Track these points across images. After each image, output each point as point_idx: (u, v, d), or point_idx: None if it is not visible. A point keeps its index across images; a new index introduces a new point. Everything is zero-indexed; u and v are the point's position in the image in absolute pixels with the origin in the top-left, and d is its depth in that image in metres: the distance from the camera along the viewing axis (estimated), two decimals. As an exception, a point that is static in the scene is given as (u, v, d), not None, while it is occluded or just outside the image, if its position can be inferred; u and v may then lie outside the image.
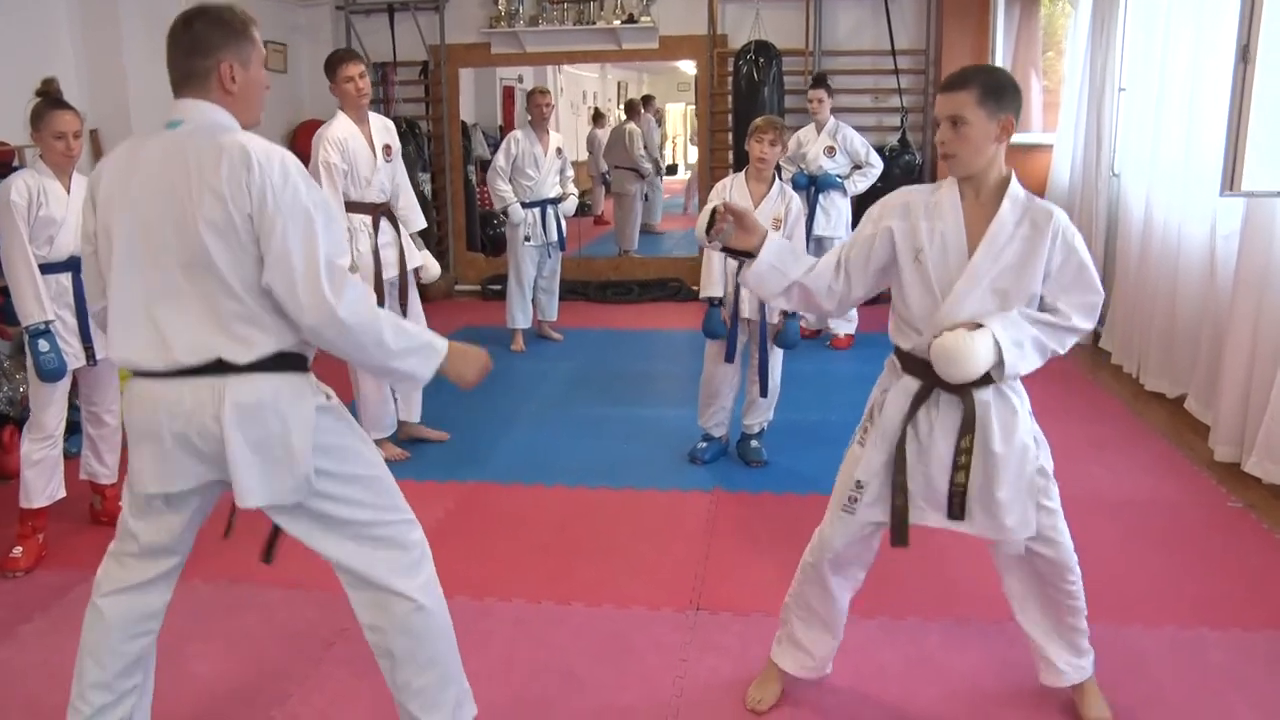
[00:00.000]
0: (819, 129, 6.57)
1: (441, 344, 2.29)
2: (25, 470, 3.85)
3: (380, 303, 4.64)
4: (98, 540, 4.02)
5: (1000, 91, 2.31)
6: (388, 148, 4.68)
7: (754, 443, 4.69)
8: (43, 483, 3.85)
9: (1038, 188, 7.27)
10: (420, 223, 4.93)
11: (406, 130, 8.24)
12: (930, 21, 7.85)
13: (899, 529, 2.48)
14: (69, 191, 3.84)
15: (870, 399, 2.61)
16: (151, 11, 6.27)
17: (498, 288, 7.81)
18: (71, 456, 4.16)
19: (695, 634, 3.25)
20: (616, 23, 8.20)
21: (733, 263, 4.32)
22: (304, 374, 2.21)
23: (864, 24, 7.99)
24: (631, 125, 10.02)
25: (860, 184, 6.54)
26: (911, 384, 2.46)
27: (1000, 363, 2.29)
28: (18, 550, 3.81)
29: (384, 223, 4.65)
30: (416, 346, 2.24)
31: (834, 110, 6.59)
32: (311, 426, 2.18)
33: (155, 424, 2.15)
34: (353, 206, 4.54)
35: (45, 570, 3.80)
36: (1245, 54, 3.38)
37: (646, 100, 10.69)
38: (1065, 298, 2.39)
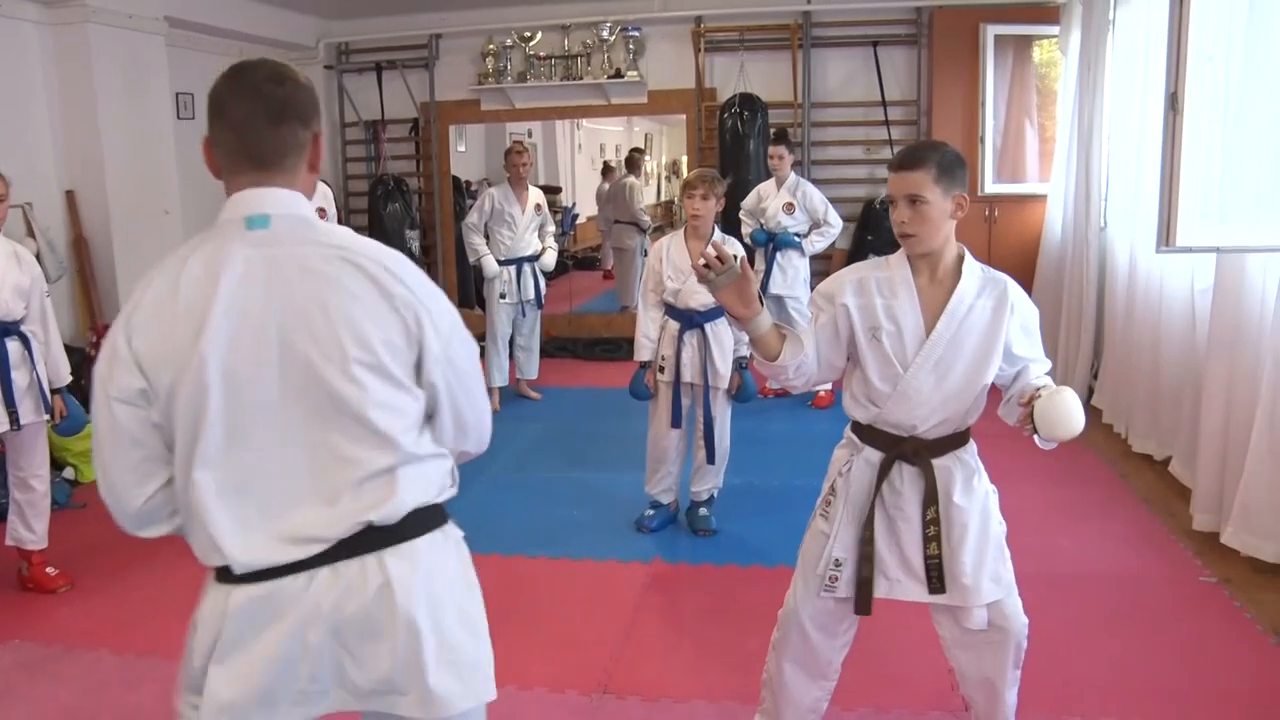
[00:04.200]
0: (779, 185, 6.41)
1: None
2: None
3: None
4: (21, 606, 3.96)
5: (953, 168, 2.31)
6: (321, 210, 4.84)
7: (702, 510, 4.49)
8: None
9: (1033, 238, 7.11)
10: None
11: (395, 188, 8.26)
12: (921, 71, 7.68)
13: (863, 599, 2.44)
14: None
15: (829, 473, 2.56)
16: (126, 74, 6.32)
17: (489, 344, 7.71)
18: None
19: (593, 720, 3.05)
20: (604, 78, 8.13)
21: (672, 324, 4.27)
22: (449, 523, 1.81)
23: (854, 75, 7.83)
24: (631, 179, 9.93)
25: (818, 244, 6.35)
26: (874, 456, 2.44)
27: None
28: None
29: None
30: None
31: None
32: (478, 590, 1.81)
33: (281, 640, 1.61)
34: None
35: (-41, 635, 3.71)
36: (1174, 102, 3.17)
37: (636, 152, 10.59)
38: (1032, 351, 2.43)
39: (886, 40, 7.74)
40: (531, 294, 6.71)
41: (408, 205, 8.34)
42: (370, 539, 1.63)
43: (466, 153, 9.43)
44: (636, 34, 8.06)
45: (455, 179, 8.95)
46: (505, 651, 3.40)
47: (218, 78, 1.67)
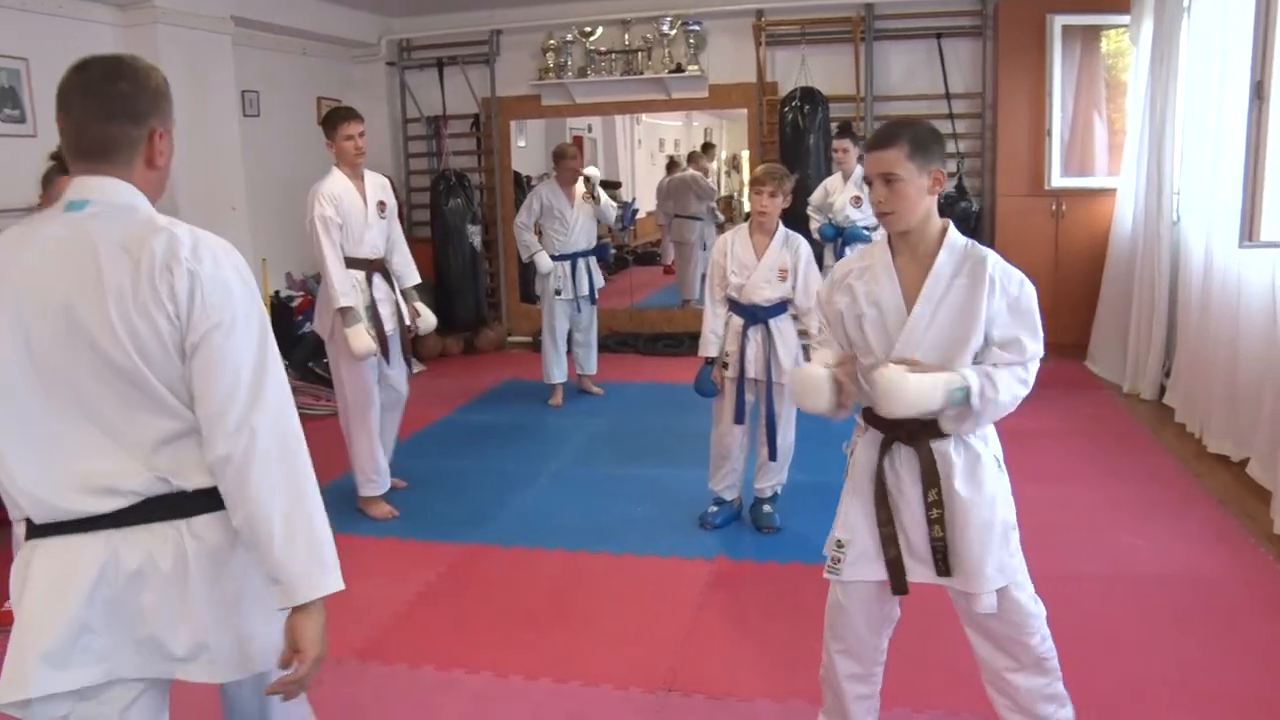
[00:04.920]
0: (845, 178, 6.37)
1: (334, 577, 1.78)
2: None
3: (386, 355, 4.63)
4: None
5: (927, 144, 2.33)
6: (382, 204, 4.70)
7: (766, 507, 4.45)
8: None
9: (1102, 233, 6.97)
10: (414, 278, 4.92)
11: (457, 183, 8.32)
12: (986, 63, 7.57)
13: (895, 579, 2.43)
14: None
15: (847, 454, 2.58)
16: (194, 73, 6.43)
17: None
18: None
19: (658, 717, 3.03)
20: (664, 72, 8.12)
21: (736, 320, 4.24)
22: None
23: (917, 68, 7.74)
24: (692, 171, 9.90)
25: None
26: (875, 437, 2.45)
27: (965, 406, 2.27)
28: None
29: (378, 278, 4.66)
30: (313, 547, 1.75)
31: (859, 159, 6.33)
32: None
33: (77, 594, 1.68)
34: (347, 262, 4.57)
35: None
36: (1260, 91, 3.07)
37: (707, 148, 10.56)
38: (1012, 334, 2.34)
39: (950, 32, 7.64)
40: (587, 289, 6.71)
41: (469, 200, 8.41)
42: (170, 506, 1.71)
43: (527, 147, 9.46)
44: (697, 28, 8.04)
45: (516, 174, 8.99)
46: (570, 647, 3.46)
47: (66, 71, 1.75)
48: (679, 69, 8.09)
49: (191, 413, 1.70)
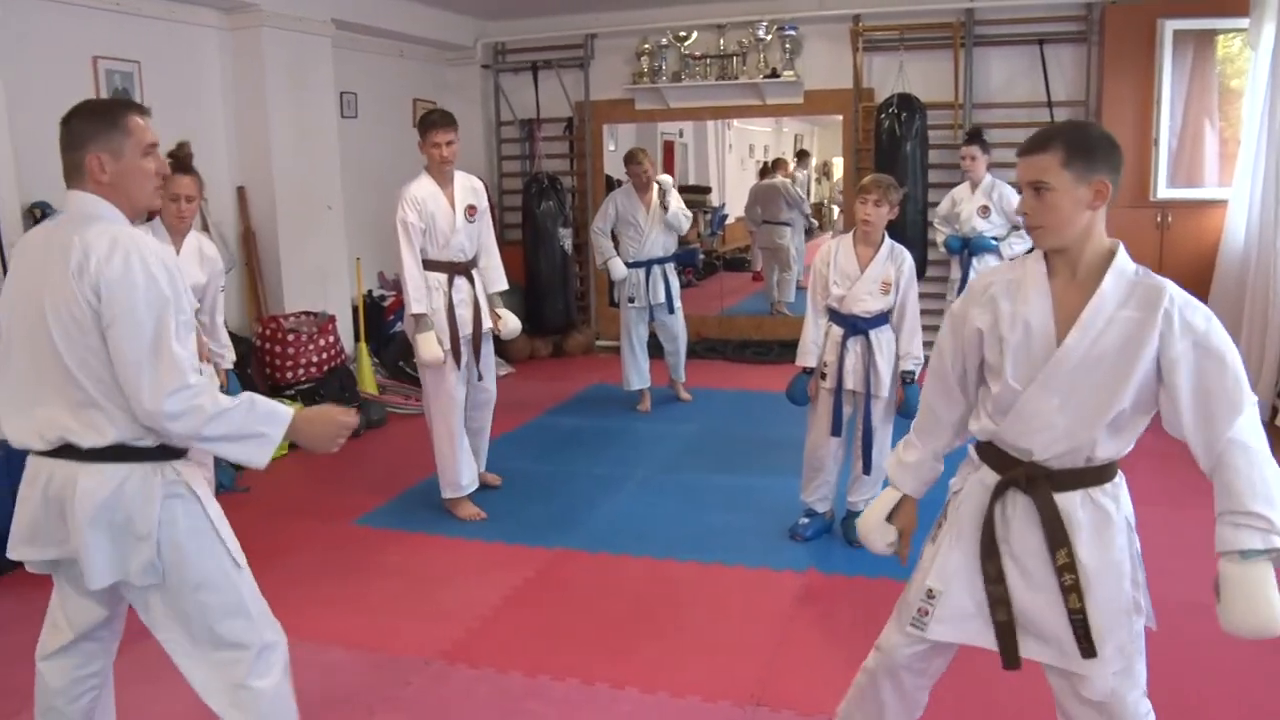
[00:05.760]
0: (973, 187, 6.23)
1: (276, 429, 2.27)
2: None
3: (457, 358, 4.63)
4: None
5: (1089, 151, 1.99)
6: (471, 208, 4.71)
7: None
8: None
9: (1210, 246, 6.73)
10: (501, 283, 4.92)
11: (549, 185, 8.36)
12: (1090, 70, 7.35)
13: (1006, 650, 2.13)
14: (179, 252, 3.97)
15: (949, 491, 2.31)
16: (294, 75, 6.56)
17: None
18: None
19: (748, 733, 2.99)
20: (760, 77, 8.05)
21: (836, 330, 4.16)
22: (155, 463, 2.23)
23: (1018, 75, 7.55)
24: (780, 178, 9.84)
25: (1016, 246, 6.09)
26: (989, 477, 2.17)
27: None
28: None
29: (460, 281, 4.69)
30: (244, 434, 2.23)
31: (989, 165, 6.20)
32: (154, 519, 2.22)
33: (34, 493, 2.25)
34: (430, 265, 4.63)
35: None
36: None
37: (803, 155, 10.51)
38: (1211, 384, 1.95)
39: (1054, 38, 7.45)
40: (662, 297, 6.62)
41: (561, 203, 8.44)
42: (74, 453, 2.18)
43: (618, 151, 9.45)
44: (793, 33, 7.95)
45: (608, 178, 8.99)
46: (657, 657, 3.43)
47: None
48: (774, 74, 8.02)
49: (93, 388, 2.15)
